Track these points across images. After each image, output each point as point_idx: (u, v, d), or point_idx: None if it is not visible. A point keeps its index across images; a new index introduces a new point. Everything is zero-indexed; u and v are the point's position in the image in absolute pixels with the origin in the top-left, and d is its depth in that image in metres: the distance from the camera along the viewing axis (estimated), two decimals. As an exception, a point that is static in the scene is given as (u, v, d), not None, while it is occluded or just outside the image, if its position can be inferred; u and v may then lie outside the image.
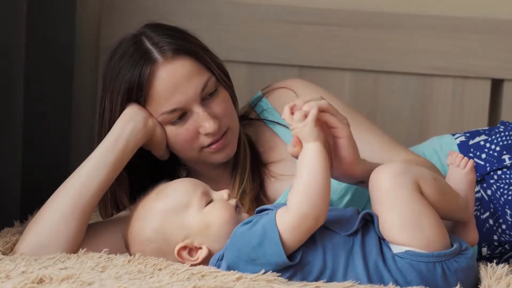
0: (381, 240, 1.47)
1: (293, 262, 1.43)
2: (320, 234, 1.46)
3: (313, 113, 1.48)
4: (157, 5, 2.46)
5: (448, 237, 1.47)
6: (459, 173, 1.58)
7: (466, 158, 1.60)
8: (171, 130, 1.74)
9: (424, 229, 1.45)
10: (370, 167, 1.54)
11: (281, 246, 1.42)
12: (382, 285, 1.43)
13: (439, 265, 1.44)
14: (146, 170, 1.81)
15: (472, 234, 1.57)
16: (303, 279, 1.44)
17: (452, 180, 1.58)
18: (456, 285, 1.43)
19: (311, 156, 1.46)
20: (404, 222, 1.45)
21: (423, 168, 1.54)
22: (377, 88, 2.49)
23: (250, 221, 1.48)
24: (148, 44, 1.72)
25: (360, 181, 1.58)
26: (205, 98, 1.73)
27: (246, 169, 1.81)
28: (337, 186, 1.76)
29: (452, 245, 1.47)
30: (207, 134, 1.73)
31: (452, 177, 1.59)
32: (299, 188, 1.45)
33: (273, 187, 1.82)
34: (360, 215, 1.48)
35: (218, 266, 1.48)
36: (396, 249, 1.45)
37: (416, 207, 1.46)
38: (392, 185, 1.47)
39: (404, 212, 1.45)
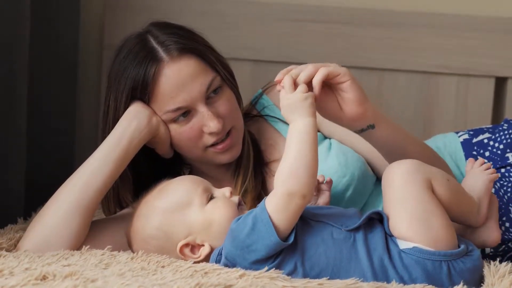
0: (388, 237, 1.48)
1: (287, 242, 1.43)
2: (319, 228, 1.47)
3: (316, 90, 1.50)
4: (161, 4, 2.46)
5: (456, 238, 1.48)
6: (478, 177, 1.60)
7: (487, 162, 1.63)
8: (174, 128, 1.74)
9: (433, 227, 1.45)
10: (378, 111, 1.59)
11: (271, 225, 1.42)
12: (386, 281, 1.43)
13: (445, 264, 1.44)
14: (149, 168, 1.81)
15: (494, 233, 1.58)
16: (306, 274, 1.44)
17: (467, 185, 1.59)
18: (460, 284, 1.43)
19: (303, 131, 1.45)
20: (413, 219, 1.46)
21: (437, 168, 1.55)
22: (381, 86, 2.50)
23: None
24: (153, 43, 1.72)
25: (370, 125, 1.59)
26: (209, 97, 1.73)
27: (249, 168, 1.81)
28: (340, 179, 1.76)
29: (459, 246, 1.48)
30: (211, 133, 1.73)
31: (468, 182, 1.60)
32: (286, 165, 1.44)
33: (273, 185, 1.82)
34: (367, 214, 1.48)
35: (219, 261, 1.49)
36: (403, 244, 1.46)
37: (426, 205, 1.46)
38: (404, 181, 1.48)
39: (414, 209, 1.46)
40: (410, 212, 1.46)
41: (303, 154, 1.44)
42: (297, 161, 1.44)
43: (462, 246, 1.47)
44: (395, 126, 1.65)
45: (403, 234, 1.46)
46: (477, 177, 1.60)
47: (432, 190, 1.48)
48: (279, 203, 1.43)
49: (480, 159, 1.65)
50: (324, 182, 1.68)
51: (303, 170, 1.43)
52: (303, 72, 1.53)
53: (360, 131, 1.61)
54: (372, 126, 1.59)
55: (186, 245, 1.52)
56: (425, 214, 1.46)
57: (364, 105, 1.56)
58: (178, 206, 1.53)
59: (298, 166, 1.43)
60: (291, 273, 1.44)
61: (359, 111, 1.57)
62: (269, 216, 1.43)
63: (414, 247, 1.44)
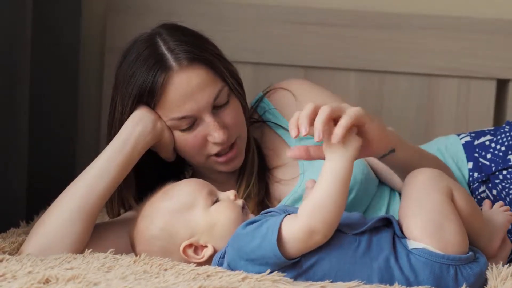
0: (396, 239, 1.48)
1: (293, 260, 1.43)
2: None
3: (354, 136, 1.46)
4: (162, 6, 2.46)
5: (467, 246, 1.48)
6: (496, 213, 1.63)
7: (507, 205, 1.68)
8: (179, 135, 1.73)
9: (446, 231, 1.46)
10: (396, 134, 1.57)
11: (278, 250, 1.41)
12: (390, 282, 1.43)
13: (453, 268, 1.45)
14: (153, 170, 1.81)
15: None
16: (309, 276, 1.44)
17: (484, 216, 1.60)
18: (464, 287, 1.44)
19: (340, 174, 1.43)
20: (428, 220, 1.46)
21: (459, 184, 1.57)
22: (382, 88, 2.50)
23: (254, 221, 1.48)
24: (163, 49, 1.71)
25: (392, 150, 1.56)
26: (216, 107, 1.73)
27: (253, 174, 1.80)
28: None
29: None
30: (215, 144, 1.73)
31: (484, 215, 1.61)
32: (316, 200, 1.43)
33: (276, 191, 1.82)
34: (375, 219, 1.49)
35: (221, 264, 1.49)
36: (413, 244, 1.46)
37: (443, 209, 1.47)
38: (427, 184, 1.49)
39: (431, 211, 1.47)
40: (426, 213, 1.47)
41: (336, 196, 1.42)
42: (328, 201, 1.42)
43: (470, 253, 1.48)
44: (411, 146, 1.64)
45: (415, 234, 1.46)
46: (496, 213, 1.64)
47: (452, 200, 1.49)
48: (299, 235, 1.42)
49: (500, 202, 1.68)
50: None
51: (331, 211, 1.42)
52: (343, 121, 1.43)
53: (382, 157, 1.58)
54: (393, 150, 1.57)
55: (190, 246, 1.52)
56: (441, 217, 1.46)
57: (385, 137, 1.53)
58: (183, 208, 1.53)
59: (328, 205, 1.42)
60: (294, 277, 1.44)
61: (382, 145, 1.53)
62: (281, 238, 1.41)
63: (424, 248, 1.45)
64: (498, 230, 1.60)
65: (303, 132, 1.42)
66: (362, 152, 1.51)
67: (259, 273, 1.43)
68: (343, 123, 1.42)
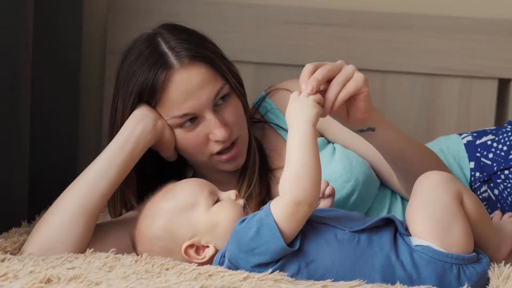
0: (398, 237, 1.48)
1: (293, 248, 1.44)
2: (323, 230, 1.47)
3: (336, 106, 1.50)
4: (164, 7, 2.46)
5: (472, 248, 1.49)
6: (506, 223, 1.63)
7: None
8: (180, 133, 1.74)
9: (453, 232, 1.46)
10: (381, 116, 1.59)
11: (277, 230, 1.42)
12: (393, 280, 1.43)
13: (456, 267, 1.45)
14: (154, 170, 1.81)
15: None
16: (310, 276, 1.44)
17: (494, 225, 1.61)
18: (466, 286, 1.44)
19: (305, 139, 1.45)
20: (436, 219, 1.47)
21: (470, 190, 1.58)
22: (384, 88, 2.49)
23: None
24: (164, 47, 1.71)
25: (371, 127, 1.58)
26: (217, 104, 1.73)
27: (254, 174, 1.81)
28: (344, 184, 1.76)
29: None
30: (217, 141, 1.73)
31: (495, 224, 1.62)
32: (292, 172, 1.44)
33: (278, 192, 1.81)
34: (376, 218, 1.49)
35: (222, 263, 1.49)
36: (417, 241, 1.46)
37: (452, 210, 1.48)
38: (437, 186, 1.50)
39: (439, 211, 1.47)
40: (434, 212, 1.47)
41: (308, 162, 1.44)
42: (302, 169, 1.44)
43: (474, 253, 1.48)
44: (397, 132, 1.64)
45: (421, 231, 1.47)
46: (505, 223, 1.64)
47: (462, 204, 1.50)
48: (286, 211, 1.43)
49: (509, 213, 1.68)
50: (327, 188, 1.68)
51: (309, 178, 1.43)
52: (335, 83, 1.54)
53: (359, 131, 1.60)
54: (372, 129, 1.59)
55: (191, 246, 1.52)
56: (448, 218, 1.47)
57: (369, 112, 1.56)
58: (184, 207, 1.53)
59: (304, 174, 1.43)
60: (295, 275, 1.44)
61: (364, 117, 1.56)
62: (275, 222, 1.43)
63: (428, 246, 1.45)
64: (506, 239, 1.60)
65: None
66: (341, 119, 1.57)
67: (260, 264, 1.43)
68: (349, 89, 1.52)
